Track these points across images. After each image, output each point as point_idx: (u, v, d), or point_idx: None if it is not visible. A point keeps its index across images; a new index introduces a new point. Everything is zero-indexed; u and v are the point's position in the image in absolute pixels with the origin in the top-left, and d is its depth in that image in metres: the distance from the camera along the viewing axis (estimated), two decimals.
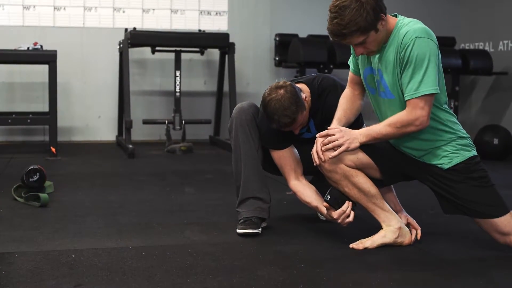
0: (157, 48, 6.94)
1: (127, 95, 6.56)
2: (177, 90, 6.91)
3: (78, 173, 5.32)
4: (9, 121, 6.32)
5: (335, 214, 3.09)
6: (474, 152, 2.99)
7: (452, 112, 3.03)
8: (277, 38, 7.61)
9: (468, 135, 3.03)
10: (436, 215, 3.66)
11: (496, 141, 6.46)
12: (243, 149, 3.36)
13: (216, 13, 7.72)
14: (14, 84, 7.20)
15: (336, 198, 3.07)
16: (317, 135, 2.99)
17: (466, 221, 3.23)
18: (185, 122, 6.89)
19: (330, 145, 2.92)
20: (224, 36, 6.99)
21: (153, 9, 7.57)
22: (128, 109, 6.51)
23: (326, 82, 3.37)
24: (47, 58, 6.17)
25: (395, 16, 2.96)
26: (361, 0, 2.76)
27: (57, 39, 7.13)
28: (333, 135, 2.93)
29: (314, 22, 7.67)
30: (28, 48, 6.29)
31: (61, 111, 6.74)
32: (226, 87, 7.18)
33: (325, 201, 3.10)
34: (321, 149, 2.95)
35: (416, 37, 2.79)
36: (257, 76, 7.81)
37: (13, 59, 6.39)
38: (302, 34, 7.57)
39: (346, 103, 3.18)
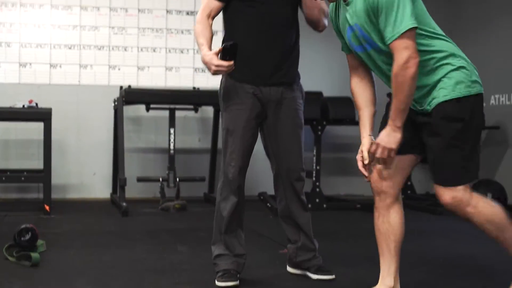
0: (152, 106, 7.00)
1: (121, 152, 6.58)
2: (171, 147, 6.93)
3: (71, 231, 5.30)
4: (3, 178, 6.33)
5: (218, 61, 3.14)
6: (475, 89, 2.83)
7: (449, 40, 2.90)
8: None
9: (472, 67, 2.88)
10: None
11: (489, 196, 6.47)
12: (227, 207, 3.49)
13: None
14: (9, 141, 7.24)
15: (231, 53, 3.12)
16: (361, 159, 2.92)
17: None
18: (179, 180, 6.90)
19: (377, 162, 2.87)
20: (218, 94, 7.01)
21: (148, 67, 7.66)
22: (122, 166, 6.52)
23: None
24: (42, 115, 6.22)
25: None
26: None
27: (52, 96, 7.20)
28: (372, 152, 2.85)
29: (306, 78, 7.67)
30: (23, 105, 6.34)
31: (56, 168, 6.75)
32: (220, 144, 7.18)
33: (224, 45, 3.14)
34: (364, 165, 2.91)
35: None
36: None
37: (9, 117, 6.43)
38: None
39: (364, 101, 3.07)
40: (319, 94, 7.08)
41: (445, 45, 2.85)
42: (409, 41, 2.69)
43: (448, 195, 2.82)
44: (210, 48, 3.27)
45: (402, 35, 2.69)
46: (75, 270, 3.84)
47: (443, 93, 2.80)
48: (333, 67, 7.87)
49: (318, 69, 7.88)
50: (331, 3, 3.03)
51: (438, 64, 2.81)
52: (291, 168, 3.54)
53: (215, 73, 3.20)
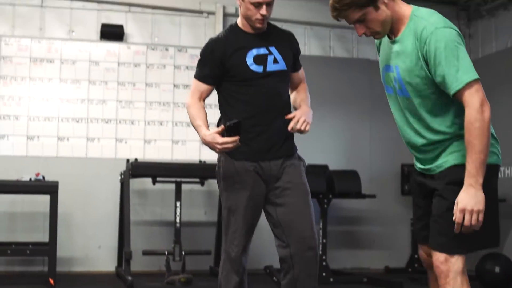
0: (158, 179, 7.02)
1: (127, 225, 6.57)
2: (177, 220, 6.92)
3: None
4: (9, 252, 6.32)
5: (221, 139, 3.15)
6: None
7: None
8: None
9: (495, 140, 2.79)
10: None
11: (497, 269, 6.42)
12: None
13: None
14: (15, 214, 7.24)
15: (234, 130, 3.14)
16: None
17: None
18: (185, 253, 6.86)
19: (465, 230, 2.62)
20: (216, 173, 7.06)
21: (155, 140, 7.71)
22: (128, 240, 6.50)
23: None
24: (49, 189, 6.24)
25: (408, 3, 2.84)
26: None
27: (59, 169, 7.23)
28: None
29: (312, 151, 7.78)
30: (30, 179, 6.37)
31: (62, 241, 6.73)
32: None
33: (225, 125, 3.16)
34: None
35: (435, 27, 2.65)
36: None
37: (15, 190, 6.47)
38: None
39: None
40: (325, 167, 7.12)
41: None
42: (478, 86, 2.60)
43: (442, 255, 2.68)
44: (208, 128, 3.32)
45: (470, 83, 2.59)
46: None
47: (454, 156, 2.74)
48: (339, 141, 7.93)
49: (324, 142, 7.92)
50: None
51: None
52: (302, 235, 3.39)
53: (221, 151, 3.23)
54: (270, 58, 3.41)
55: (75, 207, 7.36)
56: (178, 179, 7.03)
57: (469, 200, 2.57)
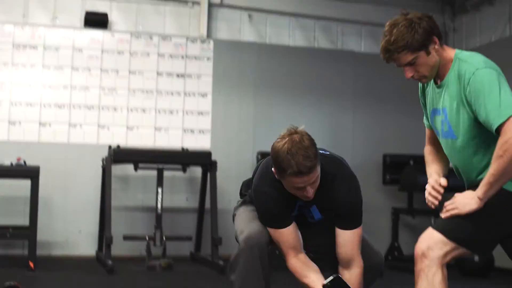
0: (140, 165, 7.03)
1: (108, 211, 6.58)
2: (159, 206, 6.94)
3: None
4: None
5: None
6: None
7: None
8: (260, 157, 7.71)
9: None
10: None
11: (476, 258, 6.46)
12: None
13: (200, 131, 7.87)
14: None
15: (336, 287, 2.77)
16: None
17: None
18: (166, 239, 6.87)
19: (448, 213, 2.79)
20: (206, 154, 7.10)
21: (137, 127, 7.71)
22: (109, 225, 6.51)
23: (334, 166, 3.05)
24: (30, 173, 6.25)
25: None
26: (413, 19, 2.74)
27: (41, 154, 7.20)
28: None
29: None
30: (11, 163, 6.36)
31: (42, 225, 6.72)
32: (207, 204, 7.21)
33: (324, 285, 2.79)
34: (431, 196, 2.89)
35: (476, 69, 2.72)
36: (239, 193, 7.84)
37: None
38: None
39: (435, 157, 3.07)
40: None
41: None
42: None
43: (425, 242, 2.76)
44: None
45: (509, 119, 2.62)
46: None
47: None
48: (321, 131, 7.97)
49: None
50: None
51: None
52: None
53: None
54: (306, 212, 3.10)
55: (56, 192, 7.35)
56: (160, 166, 7.05)
57: (462, 199, 2.76)
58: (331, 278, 2.74)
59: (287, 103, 8.18)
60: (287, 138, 2.84)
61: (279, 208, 2.96)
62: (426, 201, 2.92)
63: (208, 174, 7.14)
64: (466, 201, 2.75)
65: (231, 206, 7.74)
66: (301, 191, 2.85)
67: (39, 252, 6.39)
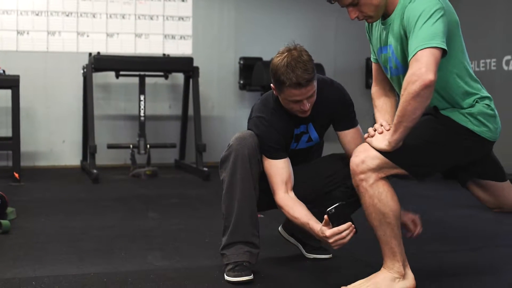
0: (121, 73, 6.96)
1: (91, 119, 6.55)
2: (142, 114, 6.91)
3: (41, 199, 5.28)
4: None
5: (329, 231, 2.70)
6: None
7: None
8: (241, 62, 7.65)
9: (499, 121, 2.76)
10: None
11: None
12: (240, 187, 2.96)
13: (181, 37, 7.76)
14: None
15: (339, 215, 2.70)
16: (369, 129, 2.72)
17: None
18: (150, 146, 6.89)
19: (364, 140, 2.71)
20: (188, 60, 7.02)
21: (117, 33, 7.58)
22: (92, 134, 6.49)
23: (323, 80, 3.10)
24: (10, 83, 6.14)
25: None
26: None
27: (20, 63, 7.10)
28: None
29: (278, 46, 7.65)
30: None
31: (25, 136, 6.70)
32: (191, 111, 7.19)
33: (327, 213, 2.70)
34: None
35: None
36: (222, 99, 7.84)
37: None
38: (266, 57, 7.62)
39: (384, 103, 2.99)
40: None
41: (484, 91, 2.77)
42: (423, 57, 2.44)
43: (361, 156, 2.67)
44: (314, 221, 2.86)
45: (419, 52, 2.45)
46: (46, 236, 3.84)
47: (456, 116, 2.71)
48: (304, 33, 7.89)
49: (289, 34, 7.82)
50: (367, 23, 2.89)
51: (477, 100, 2.71)
52: None
53: (336, 247, 2.76)
54: (304, 138, 3.15)
55: (37, 101, 7.29)
56: (142, 73, 6.98)
57: (377, 138, 2.64)
58: (336, 205, 2.70)
59: (270, 8, 8.05)
60: (286, 53, 2.90)
61: (277, 135, 3.02)
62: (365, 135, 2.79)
63: (191, 81, 7.08)
64: (379, 138, 2.64)
65: (214, 112, 7.82)
66: (299, 104, 2.92)
67: (24, 163, 6.40)
